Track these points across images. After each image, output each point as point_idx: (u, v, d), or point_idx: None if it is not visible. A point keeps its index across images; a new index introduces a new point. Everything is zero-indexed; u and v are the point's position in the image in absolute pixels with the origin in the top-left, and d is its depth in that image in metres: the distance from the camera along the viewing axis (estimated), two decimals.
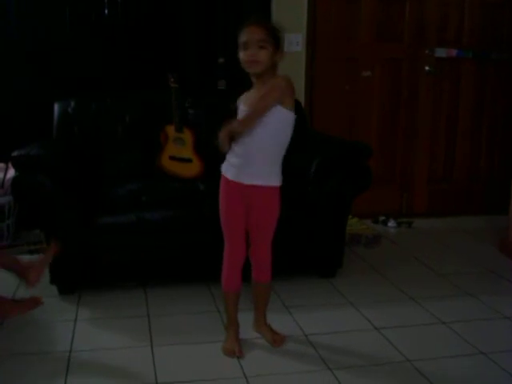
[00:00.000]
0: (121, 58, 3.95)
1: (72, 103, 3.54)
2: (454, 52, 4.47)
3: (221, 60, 4.05)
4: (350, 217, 3.77)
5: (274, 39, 2.30)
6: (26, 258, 3.46)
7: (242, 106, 2.42)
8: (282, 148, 2.41)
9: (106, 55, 3.94)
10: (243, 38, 2.29)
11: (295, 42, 4.15)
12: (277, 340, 2.57)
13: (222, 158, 2.51)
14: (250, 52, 2.28)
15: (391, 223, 4.34)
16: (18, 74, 3.86)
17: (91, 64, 3.91)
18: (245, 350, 2.49)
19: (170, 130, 3.49)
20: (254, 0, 4.08)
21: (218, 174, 3.20)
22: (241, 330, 2.58)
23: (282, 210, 3.22)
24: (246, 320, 2.65)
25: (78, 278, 3.05)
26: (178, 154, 3.45)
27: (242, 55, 2.31)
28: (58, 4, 3.83)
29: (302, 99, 4.04)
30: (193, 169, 3.45)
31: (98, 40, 3.92)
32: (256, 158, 2.36)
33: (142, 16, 3.95)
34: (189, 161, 3.46)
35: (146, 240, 3.03)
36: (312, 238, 3.22)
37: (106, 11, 3.88)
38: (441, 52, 4.44)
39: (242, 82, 4.29)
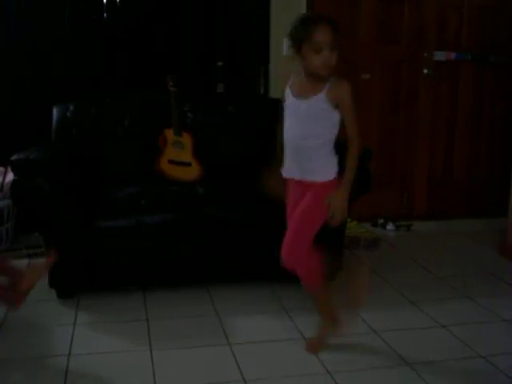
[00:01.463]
0: (120, 60, 3.96)
1: (70, 107, 3.54)
2: (452, 55, 4.47)
3: (220, 63, 4.06)
4: (349, 220, 3.77)
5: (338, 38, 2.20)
6: (24, 262, 3.50)
7: (293, 98, 2.33)
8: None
9: (105, 57, 3.94)
10: (317, 37, 2.18)
11: None
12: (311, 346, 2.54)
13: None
14: (325, 55, 2.20)
15: (390, 226, 4.34)
16: (18, 74, 3.86)
17: (90, 65, 3.92)
18: (244, 354, 2.49)
19: (169, 133, 3.49)
20: (253, 2, 4.08)
21: (216, 177, 3.22)
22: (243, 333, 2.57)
23: (281, 211, 3.23)
24: (247, 323, 2.64)
25: (76, 282, 3.04)
26: (177, 157, 3.45)
27: (314, 58, 2.20)
28: (58, 5, 3.84)
29: None
30: (192, 172, 3.45)
31: (97, 41, 3.92)
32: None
33: (141, 18, 3.96)
34: (188, 164, 3.46)
35: (145, 244, 3.04)
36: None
37: (105, 13, 3.89)
38: (439, 55, 4.44)
39: (241, 86, 4.31)
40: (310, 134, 2.30)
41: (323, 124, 2.31)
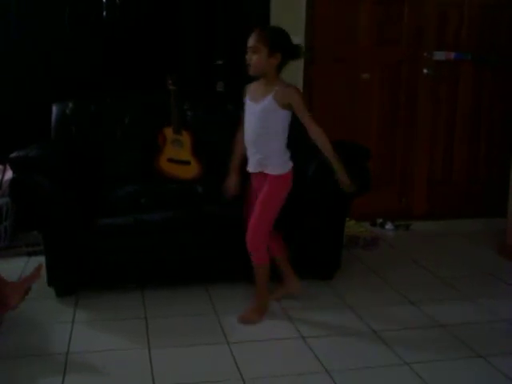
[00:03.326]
0: (120, 60, 3.95)
1: (70, 105, 3.54)
2: (452, 55, 4.47)
3: (219, 62, 4.05)
4: (348, 219, 3.77)
5: (268, 43, 2.57)
6: (23, 261, 3.50)
7: (249, 102, 2.72)
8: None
9: (105, 56, 3.94)
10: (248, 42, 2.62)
11: None
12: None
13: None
14: (247, 56, 2.63)
15: (389, 226, 4.34)
16: (18, 74, 3.85)
17: (90, 65, 3.91)
18: (242, 352, 2.49)
19: (169, 132, 3.48)
20: (253, 2, 4.07)
21: (215, 175, 3.21)
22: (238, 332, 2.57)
23: (280, 211, 3.24)
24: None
25: (75, 280, 3.04)
26: (177, 156, 3.45)
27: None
28: (58, 5, 3.83)
29: None
30: (191, 171, 3.44)
31: (97, 41, 3.92)
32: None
33: (141, 18, 3.95)
34: (187, 163, 3.46)
35: (145, 242, 3.03)
36: (310, 240, 3.21)
37: (105, 13, 3.88)
38: (439, 55, 4.44)
39: (241, 84, 4.30)
40: (263, 132, 2.66)
41: (274, 122, 2.66)
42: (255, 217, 2.72)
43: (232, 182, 2.88)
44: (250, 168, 2.77)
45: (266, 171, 2.71)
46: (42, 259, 3.01)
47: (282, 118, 2.66)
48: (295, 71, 4.17)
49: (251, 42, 2.60)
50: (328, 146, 2.70)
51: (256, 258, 2.77)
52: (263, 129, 2.66)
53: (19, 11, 3.79)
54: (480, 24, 4.48)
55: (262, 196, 2.72)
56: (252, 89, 2.73)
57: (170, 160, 3.44)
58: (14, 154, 2.92)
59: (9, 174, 3.29)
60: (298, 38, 4.13)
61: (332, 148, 2.69)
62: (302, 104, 2.64)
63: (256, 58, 2.59)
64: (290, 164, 2.77)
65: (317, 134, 2.69)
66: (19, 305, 2.49)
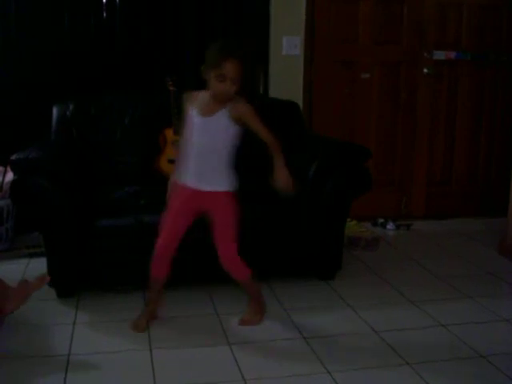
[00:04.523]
0: (120, 61, 3.95)
1: (70, 106, 3.54)
2: (452, 54, 4.47)
3: None
4: (349, 220, 3.77)
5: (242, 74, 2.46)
6: (24, 262, 3.50)
7: (197, 114, 2.54)
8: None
9: (104, 57, 3.94)
10: (224, 70, 2.42)
11: (293, 45, 4.15)
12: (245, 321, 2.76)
13: None
14: (226, 85, 2.45)
15: (390, 226, 4.35)
16: (18, 75, 3.85)
17: (90, 66, 3.91)
18: (243, 353, 2.49)
19: (169, 133, 3.49)
20: (252, 3, 4.08)
21: None
22: (248, 334, 2.59)
23: (281, 212, 3.24)
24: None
25: (76, 281, 3.04)
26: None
27: (218, 85, 2.46)
28: (58, 5, 3.83)
29: (300, 102, 4.04)
30: None
31: (97, 42, 3.92)
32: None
33: (141, 18, 3.95)
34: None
35: (145, 243, 3.01)
36: (311, 241, 3.22)
37: (105, 14, 3.88)
38: (439, 54, 4.44)
39: (241, 85, 4.27)
40: (214, 148, 2.56)
41: (225, 138, 2.56)
42: (230, 239, 2.65)
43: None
44: (189, 183, 2.59)
45: (211, 188, 2.59)
46: (43, 261, 3.02)
47: (233, 135, 2.56)
48: (295, 72, 4.18)
49: (232, 73, 2.41)
50: (276, 144, 2.61)
51: (242, 274, 2.71)
52: (215, 145, 2.54)
53: (19, 11, 3.79)
54: (480, 23, 4.48)
55: (223, 216, 2.62)
56: (200, 100, 2.55)
57: (171, 161, 3.44)
58: (14, 156, 2.92)
59: (9, 176, 3.29)
60: (297, 38, 4.15)
61: (279, 145, 2.62)
62: (254, 115, 2.55)
63: (233, 88, 2.45)
64: (234, 181, 2.66)
65: (270, 140, 2.60)
66: (16, 310, 2.49)
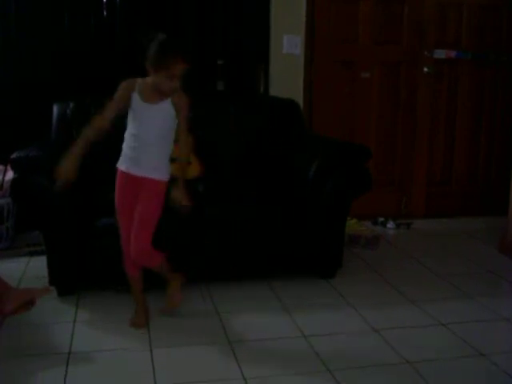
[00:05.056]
0: (120, 59, 3.95)
1: (71, 105, 3.54)
2: (452, 53, 4.47)
3: (220, 62, 4.05)
4: (349, 218, 3.77)
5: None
6: (25, 261, 3.50)
7: (141, 101, 2.59)
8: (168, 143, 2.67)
9: (105, 56, 3.94)
10: (173, 70, 2.50)
11: (294, 44, 4.15)
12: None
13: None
14: (174, 83, 2.54)
15: (390, 224, 4.35)
16: (18, 74, 3.85)
17: (90, 66, 3.91)
18: (243, 352, 2.49)
19: None
20: (252, 2, 4.08)
21: (217, 175, 3.21)
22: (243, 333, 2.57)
23: (281, 211, 3.24)
24: (247, 322, 2.63)
25: (77, 280, 3.04)
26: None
27: (166, 82, 2.53)
28: (58, 5, 3.83)
29: (300, 101, 4.04)
30: (192, 170, 3.44)
31: (97, 41, 3.92)
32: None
33: (141, 18, 3.95)
34: (188, 163, 3.45)
35: None
36: (311, 239, 3.22)
37: (105, 12, 3.88)
38: (440, 53, 4.44)
39: (241, 84, 4.30)
40: (156, 135, 2.60)
41: (167, 127, 2.62)
42: (141, 225, 2.60)
43: (73, 166, 2.51)
44: (131, 169, 2.62)
45: (148, 175, 2.60)
46: (43, 259, 3.02)
47: (173, 124, 2.63)
48: (296, 71, 4.18)
49: (181, 72, 2.51)
50: (189, 152, 2.81)
51: (153, 262, 2.71)
52: (162, 132, 2.60)
53: (19, 11, 3.78)
54: (480, 24, 4.48)
55: (146, 203, 2.61)
56: (143, 87, 2.60)
57: (171, 160, 3.43)
58: (14, 155, 2.92)
59: (10, 175, 3.29)
60: (298, 38, 4.15)
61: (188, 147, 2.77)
62: (187, 113, 2.64)
63: (179, 84, 2.55)
64: (169, 172, 2.69)
65: (187, 141, 2.70)
66: (17, 314, 2.48)
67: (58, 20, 3.84)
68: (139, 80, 2.62)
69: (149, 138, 2.59)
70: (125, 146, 2.66)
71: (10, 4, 3.77)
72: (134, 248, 2.61)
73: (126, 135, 2.65)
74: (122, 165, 2.67)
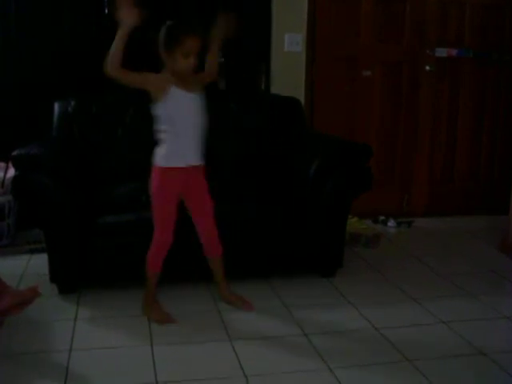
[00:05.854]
0: (121, 58, 3.94)
1: (72, 102, 3.54)
2: (454, 51, 4.47)
3: (221, 60, 4.04)
4: (350, 216, 3.76)
5: None
6: (25, 258, 3.51)
7: (178, 89, 2.62)
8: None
9: (105, 55, 3.93)
10: (188, 46, 2.55)
11: (295, 43, 4.15)
12: (246, 305, 2.84)
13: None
14: (191, 60, 2.58)
15: (391, 223, 4.35)
16: (19, 71, 3.85)
17: (90, 65, 3.90)
18: (244, 350, 2.49)
19: None
20: (253, 0, 4.07)
21: (217, 173, 3.20)
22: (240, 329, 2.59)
23: (282, 209, 3.24)
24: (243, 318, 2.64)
25: (78, 277, 3.04)
26: None
27: (182, 61, 2.58)
28: (58, 3, 3.83)
29: (302, 99, 4.03)
30: None
31: (97, 39, 3.91)
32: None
33: (142, 16, 3.93)
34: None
35: (146, 239, 3.03)
36: (312, 239, 3.22)
37: (106, 10, 3.88)
38: (441, 51, 4.44)
39: (243, 82, 4.30)
40: (199, 122, 2.69)
41: (203, 111, 2.71)
42: (212, 212, 2.79)
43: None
44: (191, 161, 2.70)
45: (200, 162, 2.74)
46: (44, 257, 3.02)
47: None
48: (297, 69, 4.18)
49: (196, 48, 2.56)
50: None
51: (220, 250, 2.87)
52: (200, 119, 2.68)
53: (19, 11, 3.78)
54: (481, 21, 4.48)
55: (206, 189, 2.78)
56: (178, 81, 2.65)
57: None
58: (15, 152, 2.92)
59: (11, 172, 3.29)
60: (299, 36, 4.15)
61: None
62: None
63: (196, 63, 2.59)
64: None
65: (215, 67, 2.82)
66: (14, 313, 2.48)
67: (57, 19, 3.84)
68: (164, 74, 2.67)
69: (195, 127, 2.66)
70: (170, 142, 2.66)
71: (10, 4, 3.77)
72: (206, 234, 2.79)
73: (166, 131, 2.66)
74: (168, 162, 2.67)
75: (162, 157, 2.67)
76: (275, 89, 4.09)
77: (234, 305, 2.88)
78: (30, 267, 3.39)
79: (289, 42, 4.13)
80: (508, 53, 4.54)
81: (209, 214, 2.79)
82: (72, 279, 3.05)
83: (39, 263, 3.28)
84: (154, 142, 3.47)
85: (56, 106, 3.54)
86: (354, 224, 3.94)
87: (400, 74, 4.44)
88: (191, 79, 2.66)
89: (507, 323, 2.80)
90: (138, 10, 2.52)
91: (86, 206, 3.00)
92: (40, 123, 3.66)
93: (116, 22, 2.61)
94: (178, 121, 2.64)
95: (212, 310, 2.89)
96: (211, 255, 2.87)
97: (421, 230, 4.31)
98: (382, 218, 4.39)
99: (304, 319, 2.79)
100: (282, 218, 3.19)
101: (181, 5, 3.96)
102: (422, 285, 3.25)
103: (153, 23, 3.86)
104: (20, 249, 3.64)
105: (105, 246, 3.02)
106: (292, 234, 3.20)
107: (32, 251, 3.60)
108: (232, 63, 4.05)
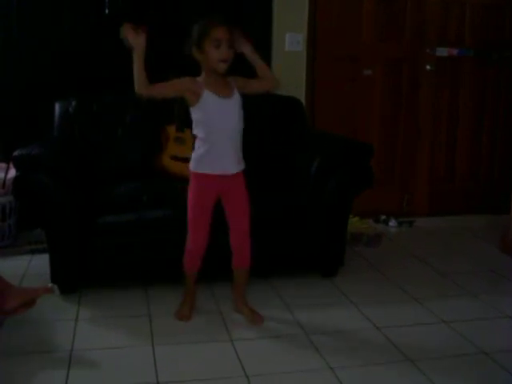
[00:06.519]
0: (122, 57, 3.94)
1: (73, 102, 3.54)
2: (455, 51, 4.46)
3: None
4: (351, 216, 3.76)
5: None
6: (27, 259, 3.51)
7: (214, 95, 2.56)
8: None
9: (106, 55, 3.93)
10: (216, 35, 2.48)
11: (296, 42, 4.14)
12: (256, 319, 2.73)
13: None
14: (224, 50, 2.50)
15: (392, 222, 4.34)
16: (20, 71, 3.85)
17: (91, 64, 3.91)
18: (245, 349, 2.49)
19: (171, 129, 3.48)
20: (255, 0, 4.07)
21: None
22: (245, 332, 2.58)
23: (283, 208, 3.23)
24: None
25: (78, 277, 3.04)
26: (181, 153, 3.43)
27: (214, 52, 2.50)
28: (59, 3, 3.83)
29: (303, 99, 4.04)
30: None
31: (98, 39, 3.91)
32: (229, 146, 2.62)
33: (143, 16, 3.94)
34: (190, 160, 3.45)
35: (147, 239, 3.03)
36: (313, 238, 3.21)
37: (107, 10, 3.88)
38: (442, 51, 4.44)
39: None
40: (238, 128, 2.61)
41: (241, 116, 2.63)
42: (247, 221, 2.71)
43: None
44: (229, 169, 2.63)
45: (238, 169, 2.66)
46: (45, 257, 3.03)
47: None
48: (298, 68, 4.17)
49: (224, 34, 2.47)
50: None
51: (249, 260, 2.80)
52: (240, 125, 2.62)
53: (20, 11, 3.78)
54: (482, 20, 4.48)
55: (243, 196, 2.69)
56: (211, 81, 2.57)
57: (174, 157, 3.43)
58: (16, 153, 2.92)
59: (12, 173, 3.29)
60: (300, 35, 4.15)
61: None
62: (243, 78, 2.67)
63: (231, 53, 2.52)
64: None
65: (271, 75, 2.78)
66: (17, 313, 2.49)
67: (58, 19, 3.84)
68: (199, 79, 2.60)
69: (231, 133, 2.59)
70: (202, 148, 2.59)
71: (11, 4, 3.77)
72: (241, 236, 2.72)
73: (199, 136, 2.60)
74: (200, 167, 2.63)
75: (194, 161, 2.65)
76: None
77: (245, 317, 2.78)
78: (31, 267, 3.39)
79: (289, 42, 4.13)
80: (508, 51, 4.54)
81: (242, 223, 2.72)
82: (73, 279, 3.04)
83: (40, 263, 3.28)
84: (154, 142, 3.51)
85: (57, 106, 3.54)
86: (355, 223, 3.94)
87: (400, 73, 4.44)
88: (231, 83, 2.61)
89: (508, 322, 2.80)
90: (143, 29, 2.51)
91: (87, 205, 3.00)
92: (40, 123, 3.66)
93: (116, 21, 2.56)
94: (211, 126, 2.57)
95: (213, 310, 2.89)
96: (239, 265, 2.79)
97: (422, 229, 4.31)
98: (383, 217, 4.39)
99: (305, 318, 2.79)
100: (283, 218, 3.19)
101: (182, 4, 3.96)
102: (424, 284, 3.24)
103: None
104: (21, 249, 3.64)
105: (105, 246, 3.02)
106: (293, 233, 3.20)
107: (33, 252, 3.59)
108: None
